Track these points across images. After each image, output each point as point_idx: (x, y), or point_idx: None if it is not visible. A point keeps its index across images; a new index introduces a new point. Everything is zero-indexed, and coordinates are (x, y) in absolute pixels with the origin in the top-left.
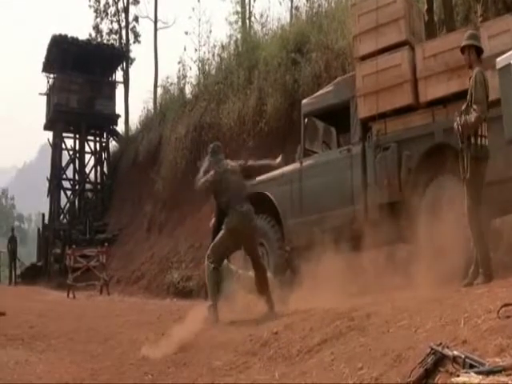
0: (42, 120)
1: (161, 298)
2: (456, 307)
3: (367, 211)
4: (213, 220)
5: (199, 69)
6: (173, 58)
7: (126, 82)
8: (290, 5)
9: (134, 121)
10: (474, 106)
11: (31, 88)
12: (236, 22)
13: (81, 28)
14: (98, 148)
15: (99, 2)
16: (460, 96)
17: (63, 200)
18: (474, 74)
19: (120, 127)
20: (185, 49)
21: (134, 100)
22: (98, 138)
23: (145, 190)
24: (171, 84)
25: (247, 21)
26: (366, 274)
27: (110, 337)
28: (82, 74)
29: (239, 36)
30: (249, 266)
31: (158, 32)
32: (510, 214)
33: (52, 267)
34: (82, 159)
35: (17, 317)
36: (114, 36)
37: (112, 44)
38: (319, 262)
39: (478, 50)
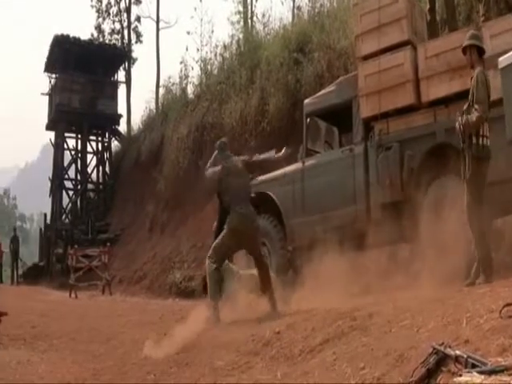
0: (44, 120)
1: (163, 298)
2: (458, 307)
3: (369, 211)
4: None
5: (201, 69)
6: (175, 58)
7: (128, 82)
8: (291, 4)
9: (136, 121)
10: (476, 106)
11: (33, 88)
12: (238, 21)
13: (83, 28)
14: (100, 148)
15: (101, 2)
16: (462, 96)
17: (65, 200)
18: (476, 73)
19: (122, 127)
20: (187, 49)
21: (136, 100)
22: (100, 138)
23: (147, 190)
24: (173, 84)
25: (249, 20)
26: (369, 273)
27: (112, 337)
28: (84, 73)
29: (241, 36)
30: (251, 265)
31: (160, 32)
32: (511, 214)
33: (54, 267)
34: (83, 159)
35: (19, 317)
36: (116, 36)
37: (114, 44)
38: (321, 262)
39: (480, 50)
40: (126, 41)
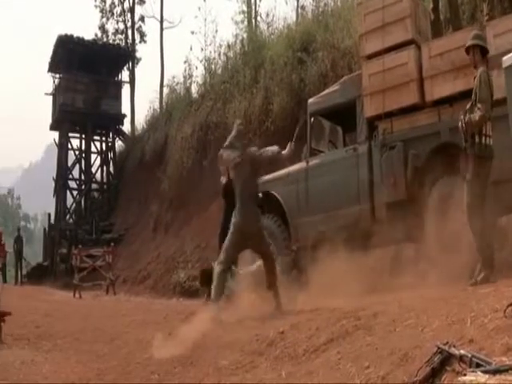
0: (48, 120)
1: (167, 298)
2: (462, 306)
3: (373, 210)
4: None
5: (205, 68)
6: (179, 58)
7: (131, 82)
8: (295, 4)
9: (140, 120)
10: (479, 105)
11: (37, 88)
12: (242, 21)
13: (87, 28)
14: (104, 148)
15: (105, 2)
16: (466, 95)
17: (69, 200)
18: (479, 73)
19: (126, 127)
20: (191, 48)
21: (140, 100)
22: (104, 138)
23: (151, 190)
24: (177, 83)
25: (253, 20)
26: (373, 273)
27: (116, 336)
28: (87, 73)
29: (245, 35)
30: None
31: (163, 32)
32: None
33: (58, 267)
34: (87, 159)
35: (23, 317)
36: (119, 36)
37: (118, 44)
38: (325, 262)
39: (483, 50)
40: (129, 41)
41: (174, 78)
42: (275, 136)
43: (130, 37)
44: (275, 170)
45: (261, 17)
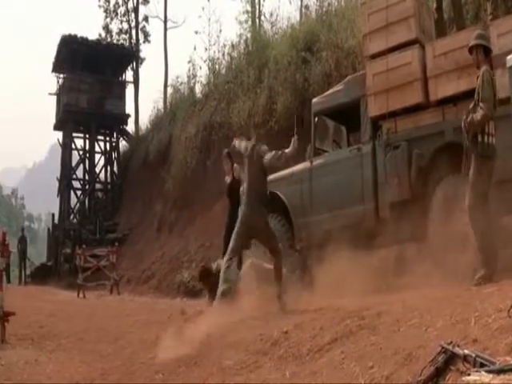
0: (52, 120)
1: (171, 298)
2: (466, 306)
3: (377, 210)
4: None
5: (209, 68)
6: (183, 58)
7: (135, 82)
8: (299, 4)
9: (144, 120)
10: (481, 105)
11: (41, 88)
12: (246, 21)
13: (90, 28)
14: (107, 148)
15: (109, 2)
16: (470, 94)
17: (73, 200)
18: (481, 72)
19: (130, 127)
20: (195, 48)
21: (144, 100)
22: (107, 138)
23: (155, 190)
24: (181, 83)
25: (257, 20)
26: (377, 272)
27: (120, 336)
28: (91, 73)
29: (249, 35)
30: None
31: (167, 31)
32: None
33: (62, 267)
34: (91, 159)
35: (27, 317)
36: (123, 36)
37: (122, 44)
38: (329, 261)
39: (486, 50)
40: (133, 41)
41: (177, 77)
42: (279, 136)
43: (133, 37)
44: (279, 169)
45: (265, 16)
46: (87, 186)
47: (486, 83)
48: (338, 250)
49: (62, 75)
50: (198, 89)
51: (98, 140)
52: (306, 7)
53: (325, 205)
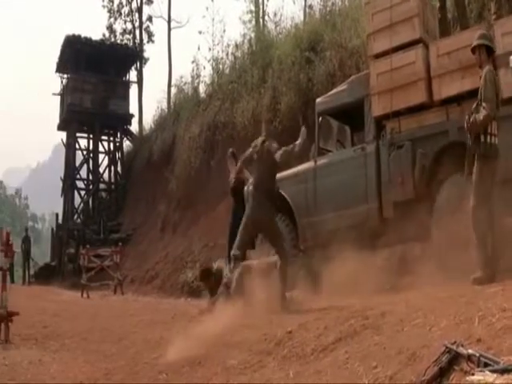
0: (56, 120)
1: (175, 298)
2: (470, 306)
3: (381, 209)
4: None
5: (213, 68)
6: (187, 58)
7: (139, 82)
8: (303, 3)
9: (148, 120)
10: (484, 105)
11: (45, 88)
12: (250, 21)
13: (94, 28)
14: (111, 148)
15: (113, 2)
16: (474, 94)
17: (77, 200)
18: (484, 72)
19: (134, 127)
20: (199, 48)
21: (148, 100)
22: (111, 138)
23: (159, 190)
24: (185, 83)
25: (261, 20)
26: (381, 272)
27: (124, 336)
28: (95, 74)
29: (253, 35)
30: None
31: (171, 31)
32: None
33: (66, 267)
34: (95, 159)
35: (30, 317)
36: (127, 36)
37: (126, 44)
38: (333, 261)
39: (489, 49)
40: (137, 41)
41: (181, 77)
42: (283, 135)
43: (137, 37)
44: (289, 166)
45: (268, 16)
46: (91, 186)
47: (488, 83)
48: (341, 249)
49: (65, 75)
50: (201, 89)
51: (101, 140)
52: (310, 7)
53: (329, 204)
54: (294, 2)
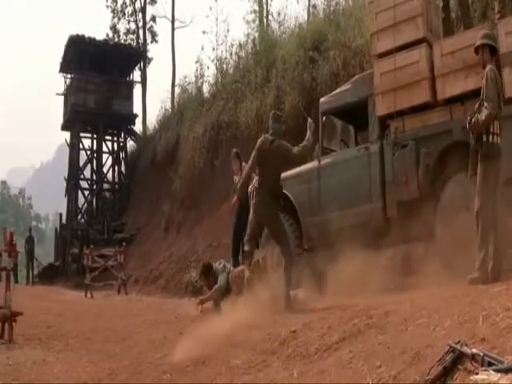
0: (60, 120)
1: (179, 298)
2: (474, 305)
3: (385, 209)
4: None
5: (217, 68)
6: (190, 58)
7: (143, 82)
8: (307, 3)
9: (152, 120)
10: (485, 104)
11: (49, 88)
12: (253, 20)
13: (98, 28)
14: (115, 148)
15: (116, 2)
16: (478, 93)
17: (81, 200)
18: (486, 71)
19: (138, 127)
20: (202, 48)
21: (152, 100)
22: (115, 138)
23: (162, 190)
24: (189, 83)
25: (265, 19)
26: (385, 271)
27: (127, 336)
28: (99, 74)
29: (257, 35)
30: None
31: (175, 31)
32: None
33: (70, 267)
34: (99, 159)
35: (34, 317)
36: (131, 36)
37: (129, 44)
38: (337, 260)
39: (492, 49)
40: (141, 41)
41: (185, 77)
42: (286, 135)
43: (141, 37)
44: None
45: (272, 16)
46: (95, 186)
47: (490, 82)
48: (345, 249)
49: (69, 75)
50: (205, 88)
51: (105, 140)
52: (314, 6)
53: (332, 204)
54: (298, 2)
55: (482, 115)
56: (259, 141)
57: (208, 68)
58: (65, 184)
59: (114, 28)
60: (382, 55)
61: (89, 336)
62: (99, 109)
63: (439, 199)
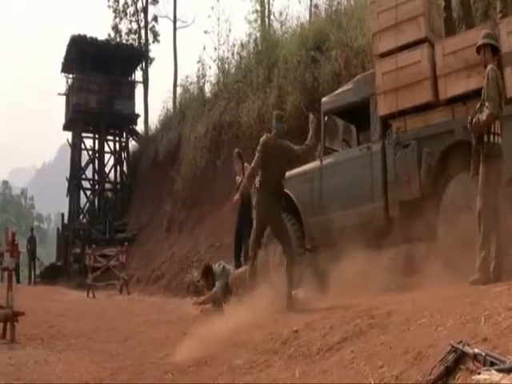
0: (62, 120)
1: (181, 297)
2: (476, 305)
3: (387, 209)
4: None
5: (219, 68)
6: (192, 57)
7: (145, 82)
8: (309, 3)
9: (154, 120)
10: (486, 104)
11: (51, 88)
12: (255, 20)
13: (100, 28)
14: (117, 148)
15: (118, 2)
16: (480, 93)
17: (83, 200)
18: (487, 71)
19: (139, 127)
20: (204, 48)
21: (154, 100)
22: (117, 138)
23: (164, 190)
24: (191, 83)
25: (266, 19)
26: (387, 271)
27: (129, 336)
28: (101, 74)
29: (258, 34)
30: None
31: (177, 31)
32: None
33: (71, 267)
34: (101, 159)
35: (36, 317)
36: (133, 36)
37: (131, 44)
38: (339, 260)
39: (494, 49)
40: (143, 40)
41: (187, 77)
42: (288, 135)
43: (143, 37)
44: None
45: (274, 16)
46: (97, 186)
47: (491, 81)
48: (347, 248)
49: (71, 75)
50: (207, 88)
51: (107, 140)
52: (316, 6)
53: (334, 204)
54: (300, 2)
55: (483, 115)
56: (263, 138)
57: (210, 68)
58: (67, 184)
59: (115, 28)
60: (383, 55)
61: (91, 336)
62: (101, 109)
63: (441, 199)
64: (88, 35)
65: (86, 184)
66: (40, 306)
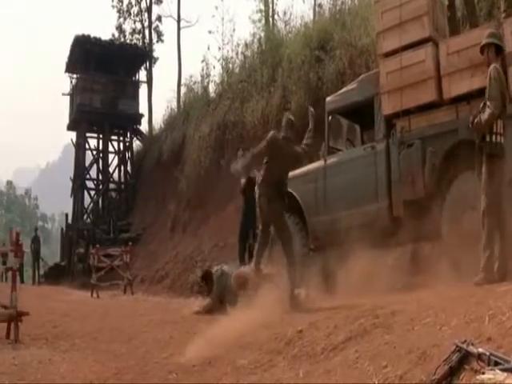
0: (66, 120)
1: (185, 298)
2: (480, 304)
3: (391, 208)
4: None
5: (223, 67)
6: (196, 57)
7: (149, 82)
8: (313, 2)
9: (158, 120)
10: (488, 103)
11: (55, 88)
12: (259, 20)
13: (104, 28)
14: (121, 148)
15: (122, 2)
16: (484, 92)
17: (87, 200)
18: (489, 70)
19: (144, 127)
20: (208, 47)
21: (158, 99)
22: (121, 138)
23: (168, 189)
24: (195, 83)
25: (270, 19)
26: (391, 271)
27: (133, 336)
28: (105, 74)
29: (263, 34)
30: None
31: (181, 31)
32: None
33: (76, 267)
34: (105, 159)
35: (40, 316)
36: (137, 36)
37: (135, 44)
38: (343, 260)
39: (498, 48)
40: (147, 40)
41: (191, 77)
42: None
43: (147, 36)
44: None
45: (278, 15)
46: (101, 186)
47: (493, 81)
48: (352, 248)
49: (75, 75)
50: (211, 88)
51: (111, 140)
52: (320, 6)
53: (339, 203)
54: (304, 1)
55: (485, 115)
56: (271, 134)
57: (214, 67)
58: (71, 184)
59: (119, 28)
60: (387, 54)
61: (95, 336)
62: (105, 109)
63: (445, 198)
64: (92, 35)
65: (90, 184)
66: (44, 306)
